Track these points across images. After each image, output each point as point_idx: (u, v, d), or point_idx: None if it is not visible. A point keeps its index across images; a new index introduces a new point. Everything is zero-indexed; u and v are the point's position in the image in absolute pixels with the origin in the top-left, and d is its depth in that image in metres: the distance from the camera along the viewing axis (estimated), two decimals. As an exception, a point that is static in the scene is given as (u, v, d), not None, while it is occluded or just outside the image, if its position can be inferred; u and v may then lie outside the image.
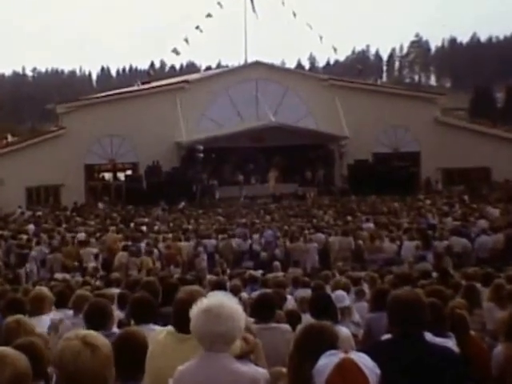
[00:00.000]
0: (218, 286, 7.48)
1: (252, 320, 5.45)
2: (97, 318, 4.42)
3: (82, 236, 17.55)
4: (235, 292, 8.06)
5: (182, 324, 3.32)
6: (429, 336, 3.38)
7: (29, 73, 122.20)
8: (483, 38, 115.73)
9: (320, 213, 22.23)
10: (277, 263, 13.72)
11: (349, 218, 20.57)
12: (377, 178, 30.05)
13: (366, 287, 9.04)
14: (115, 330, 4.59)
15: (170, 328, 3.48)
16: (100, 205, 29.31)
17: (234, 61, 59.96)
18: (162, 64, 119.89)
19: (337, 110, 33.64)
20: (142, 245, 16.11)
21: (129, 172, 33.85)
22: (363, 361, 2.48)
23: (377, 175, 30.30)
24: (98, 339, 2.39)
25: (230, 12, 55.46)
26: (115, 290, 8.46)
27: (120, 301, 7.13)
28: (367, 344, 5.27)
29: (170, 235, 17.77)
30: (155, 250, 15.65)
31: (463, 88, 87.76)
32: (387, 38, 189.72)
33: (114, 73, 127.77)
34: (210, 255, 16.73)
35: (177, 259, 15.71)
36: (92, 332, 2.45)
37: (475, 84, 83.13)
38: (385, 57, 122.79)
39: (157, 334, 3.55)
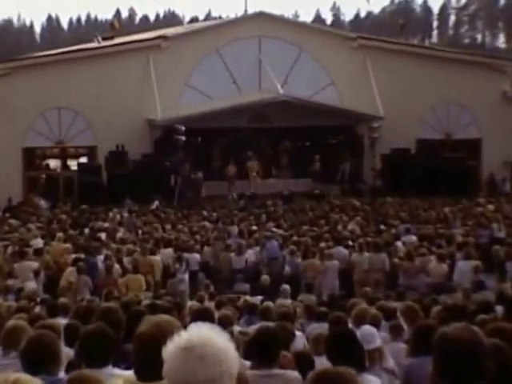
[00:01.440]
0: (203, 316, 7.46)
1: (247, 364, 5.45)
2: (38, 359, 4.42)
3: (38, 243, 17.55)
4: (226, 325, 8.07)
5: (142, 369, 3.30)
6: (490, 391, 3.36)
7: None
8: None
9: (343, 219, 22.24)
10: (286, 287, 13.72)
11: (382, 227, 20.57)
12: (421, 173, 29.99)
13: (403, 322, 9.05)
14: (62, 375, 4.59)
15: (130, 374, 3.47)
16: (42, 203, 29.30)
17: (229, 11, 60.23)
18: (132, 13, 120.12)
19: (368, 80, 33.62)
20: (100, 258, 16.11)
21: (83, 159, 33.81)
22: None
23: (421, 170, 30.25)
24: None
25: None
26: (62, 320, 8.45)
27: (68, 334, 7.13)
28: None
29: (139, 246, 17.76)
30: (117, 266, 15.65)
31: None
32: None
33: (64, 24, 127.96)
34: (193, 274, 16.73)
35: (147, 279, 15.73)
36: (24, 376, 2.44)
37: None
38: (435, 9, 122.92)
39: (113, 381, 3.54)
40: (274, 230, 20.45)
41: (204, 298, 12.95)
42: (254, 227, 21.02)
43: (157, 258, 16.85)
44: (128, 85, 32.18)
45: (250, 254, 17.85)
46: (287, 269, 16.96)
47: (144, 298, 12.56)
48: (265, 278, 15.55)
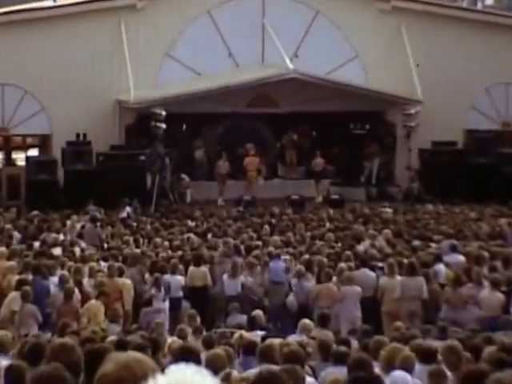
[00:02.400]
0: (186, 356, 7.48)
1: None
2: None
3: None
4: (216, 367, 8.06)
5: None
6: None
7: None
8: None
9: (370, 233, 22.22)
10: (306, 321, 13.56)
11: (418, 243, 20.56)
12: (471, 174, 29.97)
13: (445, 367, 9.03)
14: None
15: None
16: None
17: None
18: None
19: (403, 53, 33.60)
20: (53, 280, 16.09)
21: (33, 152, 33.78)
22: None
23: (471, 169, 30.23)
24: None
25: None
26: (2, 361, 8.48)
27: (10, 379, 7.12)
28: None
29: (105, 265, 17.74)
30: (76, 291, 15.64)
31: None
32: None
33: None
34: (175, 302, 16.70)
35: (115, 308, 15.71)
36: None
37: None
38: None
39: None
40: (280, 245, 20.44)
41: (187, 332, 12.92)
42: (255, 242, 21.01)
43: (127, 280, 16.82)
44: (93, 56, 32.14)
45: (249, 277, 17.85)
46: (291, 298, 16.89)
47: (110, 333, 12.55)
48: (257, 313, 15.07)
